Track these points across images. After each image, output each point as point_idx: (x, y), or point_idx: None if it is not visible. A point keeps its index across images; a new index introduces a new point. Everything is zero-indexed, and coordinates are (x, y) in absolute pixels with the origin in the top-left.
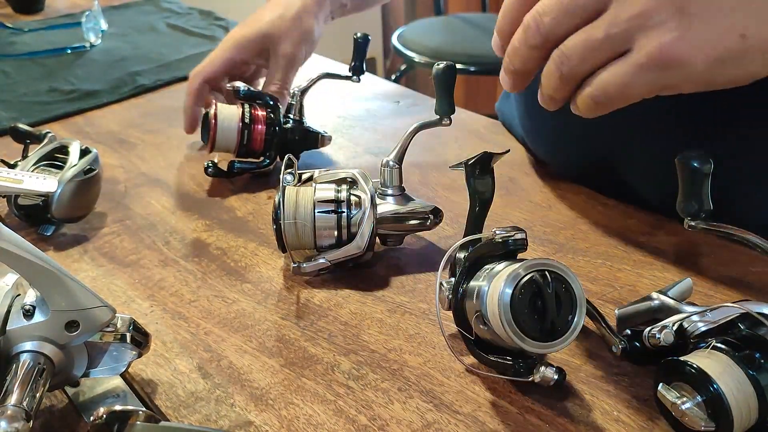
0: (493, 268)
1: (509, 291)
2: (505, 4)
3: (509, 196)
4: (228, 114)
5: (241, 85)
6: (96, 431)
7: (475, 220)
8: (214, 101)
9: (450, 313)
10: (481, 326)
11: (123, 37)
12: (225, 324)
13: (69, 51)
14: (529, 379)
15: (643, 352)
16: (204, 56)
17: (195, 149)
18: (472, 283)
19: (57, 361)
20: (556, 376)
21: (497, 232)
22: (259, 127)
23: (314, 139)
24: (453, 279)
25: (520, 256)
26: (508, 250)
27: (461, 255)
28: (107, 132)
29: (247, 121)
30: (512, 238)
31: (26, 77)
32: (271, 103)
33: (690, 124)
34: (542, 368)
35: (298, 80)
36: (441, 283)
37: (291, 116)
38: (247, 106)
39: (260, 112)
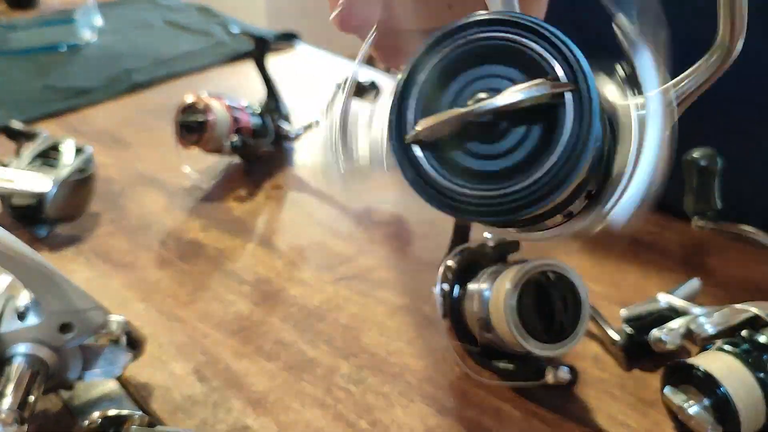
0: (492, 270)
1: (515, 293)
2: None
3: None
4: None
5: None
6: None
7: (463, 224)
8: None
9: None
10: (485, 334)
11: (118, 33)
12: (222, 326)
13: (63, 48)
14: (541, 382)
15: (643, 348)
16: (201, 53)
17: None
18: (472, 287)
19: (51, 364)
20: (569, 376)
21: (488, 236)
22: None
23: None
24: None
25: (517, 257)
26: (501, 252)
27: (451, 263)
28: (102, 130)
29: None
30: (504, 240)
31: (20, 74)
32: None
33: (700, 121)
34: (554, 369)
35: None
36: (441, 288)
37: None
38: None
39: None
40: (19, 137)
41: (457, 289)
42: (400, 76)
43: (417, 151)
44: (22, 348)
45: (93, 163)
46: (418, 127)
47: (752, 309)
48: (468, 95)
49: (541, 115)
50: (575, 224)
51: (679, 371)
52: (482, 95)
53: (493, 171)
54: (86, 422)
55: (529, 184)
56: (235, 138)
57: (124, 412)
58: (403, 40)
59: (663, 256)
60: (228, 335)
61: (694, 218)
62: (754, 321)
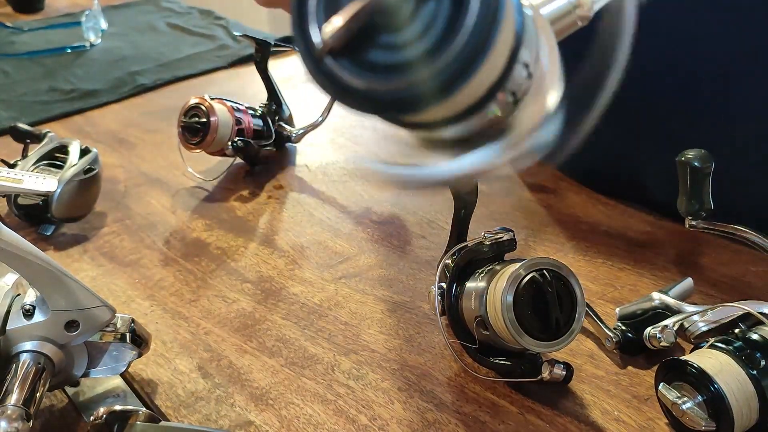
0: (490, 269)
1: (511, 292)
2: None
3: (509, 196)
4: (219, 107)
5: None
6: (96, 431)
7: (461, 224)
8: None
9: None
10: (483, 331)
11: (123, 36)
12: (225, 324)
13: (69, 50)
14: (538, 378)
15: (637, 345)
16: (204, 56)
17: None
18: (470, 285)
19: (57, 361)
20: (565, 372)
21: (486, 235)
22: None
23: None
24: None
25: (511, 256)
26: (498, 252)
27: (449, 261)
28: (107, 131)
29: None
30: (500, 239)
31: (26, 77)
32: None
33: (692, 121)
34: (550, 366)
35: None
36: (440, 286)
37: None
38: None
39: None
40: (25, 138)
41: (455, 288)
42: None
43: (330, 62)
44: (28, 345)
45: (98, 164)
46: (324, 36)
47: (744, 307)
48: None
49: None
50: (525, 114)
51: (673, 368)
52: None
53: (416, 55)
54: (91, 418)
55: (457, 51)
56: (237, 139)
57: (129, 407)
58: None
59: (657, 256)
60: (231, 332)
61: (687, 218)
62: (746, 319)
